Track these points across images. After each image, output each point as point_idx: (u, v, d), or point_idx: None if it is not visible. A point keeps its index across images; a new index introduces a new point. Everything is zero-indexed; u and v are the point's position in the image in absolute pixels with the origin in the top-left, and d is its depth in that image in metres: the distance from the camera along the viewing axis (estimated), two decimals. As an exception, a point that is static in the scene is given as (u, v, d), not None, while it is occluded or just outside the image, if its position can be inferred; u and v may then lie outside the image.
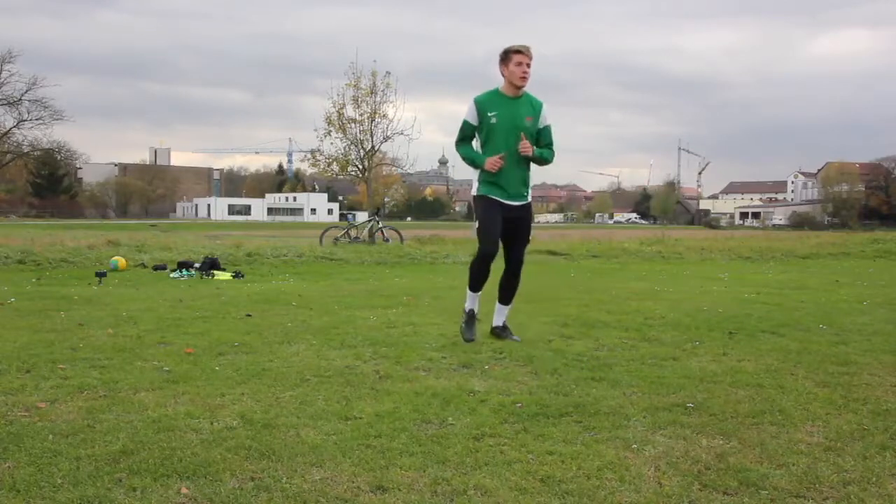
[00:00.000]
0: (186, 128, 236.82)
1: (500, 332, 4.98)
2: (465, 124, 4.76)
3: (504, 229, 4.76)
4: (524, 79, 4.63)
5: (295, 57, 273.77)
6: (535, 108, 4.75)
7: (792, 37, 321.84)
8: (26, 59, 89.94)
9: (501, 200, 4.73)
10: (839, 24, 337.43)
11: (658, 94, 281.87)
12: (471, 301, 4.97)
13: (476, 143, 4.82)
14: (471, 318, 4.95)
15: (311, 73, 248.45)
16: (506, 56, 4.64)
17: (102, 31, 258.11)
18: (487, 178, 4.71)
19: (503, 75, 4.69)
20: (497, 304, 5.05)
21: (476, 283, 4.92)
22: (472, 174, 4.94)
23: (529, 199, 4.86)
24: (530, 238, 4.96)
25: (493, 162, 4.62)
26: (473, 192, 4.90)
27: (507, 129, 4.65)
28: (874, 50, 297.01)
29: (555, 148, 4.87)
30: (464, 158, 4.85)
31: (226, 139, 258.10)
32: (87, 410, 3.14)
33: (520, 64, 4.60)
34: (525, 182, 4.80)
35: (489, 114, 4.66)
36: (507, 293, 5.00)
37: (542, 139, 4.80)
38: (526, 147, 4.63)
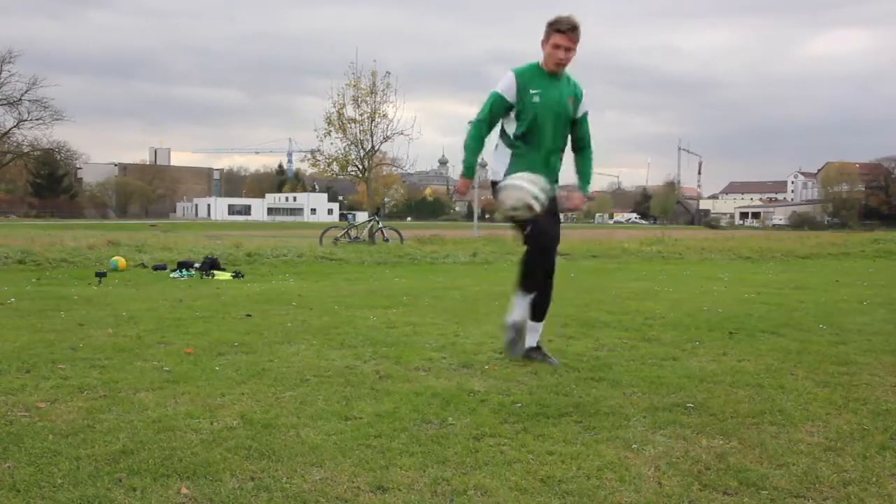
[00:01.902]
0: (183, 127, 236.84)
1: (534, 355, 4.23)
2: (498, 99, 4.02)
3: None
4: (560, 65, 4.02)
5: (289, 57, 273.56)
6: (577, 91, 4.14)
7: (790, 36, 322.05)
8: (21, 59, 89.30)
9: None
10: (837, 24, 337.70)
11: (656, 93, 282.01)
12: (522, 308, 4.17)
13: (510, 126, 4.12)
14: (519, 332, 4.18)
15: (306, 73, 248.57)
16: (547, 32, 3.99)
17: (95, 31, 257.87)
18: (519, 163, 4.05)
19: (543, 51, 4.06)
20: (527, 322, 4.30)
21: (532, 279, 4.17)
22: (492, 156, 4.27)
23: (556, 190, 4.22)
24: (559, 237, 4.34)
25: (462, 187, 4.18)
26: (498, 178, 4.09)
27: (552, 109, 4.03)
28: (873, 50, 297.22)
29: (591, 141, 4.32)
30: (470, 142, 4.11)
31: (223, 139, 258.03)
32: (87, 410, 3.14)
33: (557, 47, 3.96)
34: (559, 172, 4.22)
35: (531, 90, 3.99)
36: (537, 307, 4.26)
37: (579, 129, 4.20)
38: (576, 203, 4.24)
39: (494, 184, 4.13)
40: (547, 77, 4.05)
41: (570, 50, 3.98)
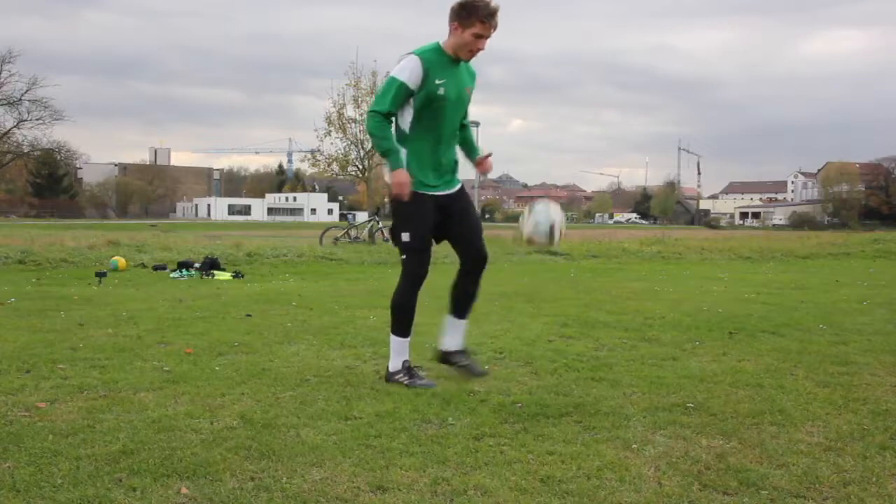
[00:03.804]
0: (182, 127, 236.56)
1: (453, 359, 3.89)
2: (402, 88, 3.51)
3: (450, 224, 3.74)
4: (472, 54, 3.61)
5: (287, 57, 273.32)
6: (473, 78, 3.78)
7: (788, 36, 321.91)
8: (19, 59, 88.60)
9: (437, 193, 3.67)
10: (836, 24, 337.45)
11: (653, 93, 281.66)
12: (401, 352, 3.72)
13: (403, 117, 3.63)
14: (410, 370, 3.72)
15: (302, 72, 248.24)
16: (467, 16, 3.50)
17: (90, 30, 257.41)
18: (417, 163, 3.62)
19: (450, 33, 3.57)
20: (448, 318, 3.90)
21: (406, 322, 3.73)
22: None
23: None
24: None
25: (402, 185, 3.53)
26: (391, 179, 3.61)
27: (454, 103, 3.63)
28: (873, 49, 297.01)
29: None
30: (377, 137, 3.57)
31: (221, 139, 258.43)
32: (87, 410, 3.14)
33: (479, 37, 3.52)
34: (457, 163, 3.81)
35: (437, 81, 3.54)
36: (463, 301, 3.87)
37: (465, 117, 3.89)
38: (490, 166, 3.86)
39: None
40: (450, 64, 3.61)
41: (488, 39, 3.58)
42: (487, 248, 3.83)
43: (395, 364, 3.73)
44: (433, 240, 3.77)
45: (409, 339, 3.76)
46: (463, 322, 3.90)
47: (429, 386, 3.61)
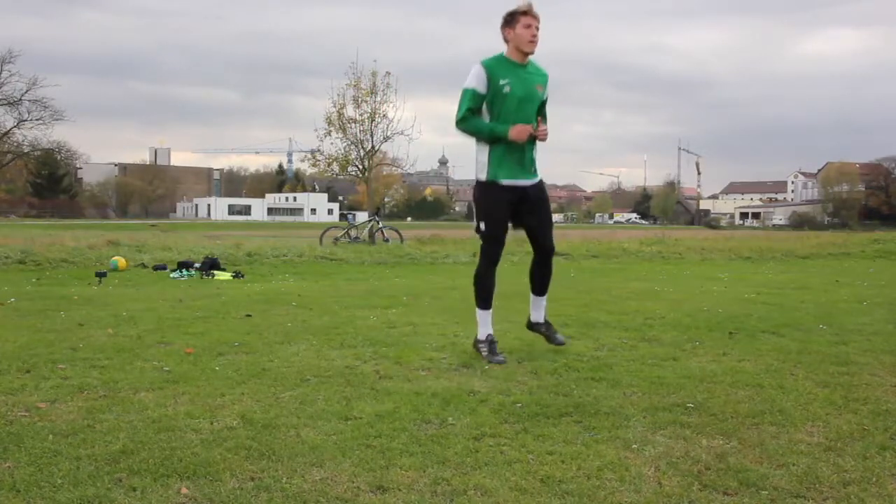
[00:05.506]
0: (182, 127, 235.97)
1: (540, 329, 4.59)
2: (473, 94, 4.11)
3: (525, 214, 4.27)
4: (533, 43, 4.12)
5: (284, 56, 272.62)
6: (543, 77, 4.27)
7: (787, 35, 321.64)
8: (18, 59, 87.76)
9: (516, 183, 4.19)
10: (835, 23, 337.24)
11: (653, 93, 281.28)
12: (485, 324, 4.36)
13: (484, 119, 4.22)
14: (492, 344, 4.30)
15: (300, 72, 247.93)
16: (511, 18, 4.12)
17: (87, 30, 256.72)
18: (499, 157, 4.17)
19: (506, 40, 4.17)
20: (532, 297, 4.58)
21: (487, 297, 4.35)
22: (472, 161, 4.32)
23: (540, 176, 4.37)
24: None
25: (521, 130, 4.04)
26: (481, 176, 4.22)
27: (522, 98, 4.13)
28: (873, 49, 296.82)
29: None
30: (476, 132, 4.17)
31: (221, 139, 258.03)
32: (87, 410, 3.14)
33: (528, 26, 4.10)
34: (535, 158, 4.30)
35: (501, 81, 4.09)
36: (540, 283, 4.51)
37: (542, 113, 4.30)
38: (544, 132, 4.19)
39: (478, 184, 4.27)
40: (514, 66, 4.17)
41: (538, 28, 4.14)
42: (553, 240, 4.46)
43: (481, 334, 4.37)
44: (511, 226, 4.33)
45: (490, 311, 4.35)
46: (542, 298, 4.57)
47: (501, 362, 4.13)
